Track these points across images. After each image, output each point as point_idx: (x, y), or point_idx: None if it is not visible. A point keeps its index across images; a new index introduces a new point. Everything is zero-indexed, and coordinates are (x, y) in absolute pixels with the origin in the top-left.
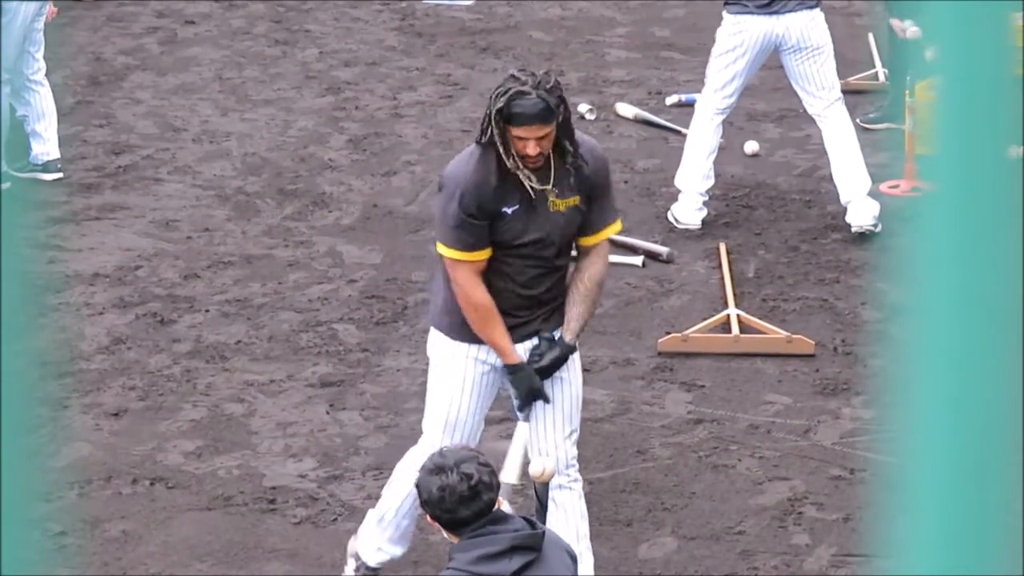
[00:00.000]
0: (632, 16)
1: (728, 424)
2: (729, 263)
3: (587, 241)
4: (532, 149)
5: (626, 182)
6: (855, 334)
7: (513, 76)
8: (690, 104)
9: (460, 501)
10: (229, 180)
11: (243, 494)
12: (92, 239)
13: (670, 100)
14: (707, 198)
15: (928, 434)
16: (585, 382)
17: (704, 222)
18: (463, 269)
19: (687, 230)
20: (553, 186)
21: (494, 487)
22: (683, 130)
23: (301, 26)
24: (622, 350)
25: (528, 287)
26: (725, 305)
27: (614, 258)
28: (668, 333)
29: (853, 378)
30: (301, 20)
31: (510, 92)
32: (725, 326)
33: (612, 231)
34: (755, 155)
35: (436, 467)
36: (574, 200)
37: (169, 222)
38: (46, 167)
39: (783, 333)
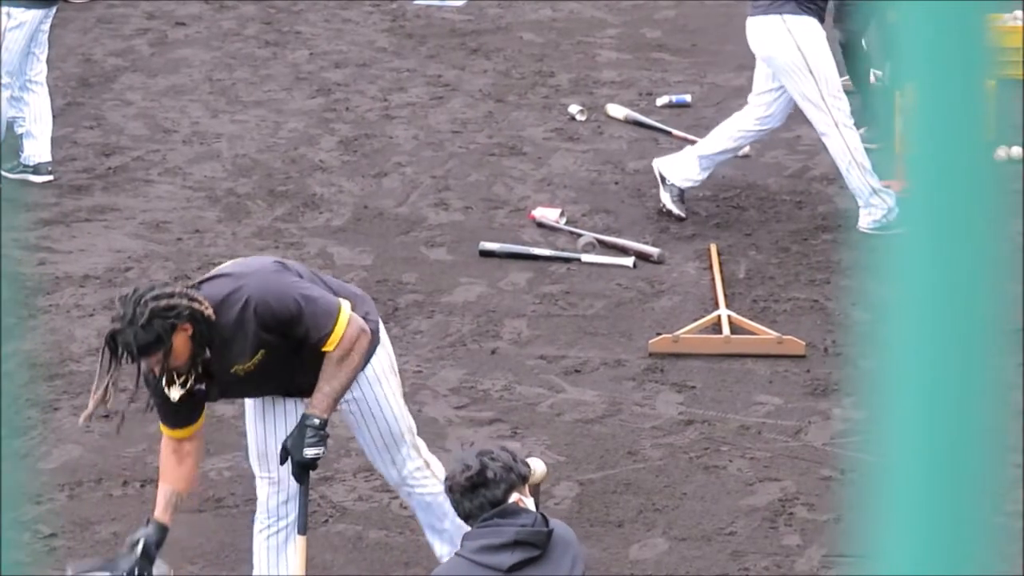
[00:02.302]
0: (623, 17)
1: (719, 425)
2: (720, 264)
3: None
4: (158, 371)
5: (616, 183)
6: (846, 335)
7: (119, 301)
8: (680, 105)
9: (462, 493)
10: (219, 181)
11: (234, 495)
12: (82, 241)
13: (661, 101)
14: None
15: (906, 433)
16: (576, 383)
17: (695, 223)
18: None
19: (677, 233)
20: (225, 370)
21: (498, 483)
22: (674, 131)
23: (291, 27)
24: (613, 351)
25: (275, 391)
26: (716, 306)
27: (605, 259)
28: (659, 334)
29: (844, 379)
30: (291, 21)
31: (109, 329)
32: (716, 327)
33: (330, 347)
34: (745, 156)
35: (460, 458)
36: (255, 358)
37: (159, 224)
38: (37, 169)
39: (774, 334)
